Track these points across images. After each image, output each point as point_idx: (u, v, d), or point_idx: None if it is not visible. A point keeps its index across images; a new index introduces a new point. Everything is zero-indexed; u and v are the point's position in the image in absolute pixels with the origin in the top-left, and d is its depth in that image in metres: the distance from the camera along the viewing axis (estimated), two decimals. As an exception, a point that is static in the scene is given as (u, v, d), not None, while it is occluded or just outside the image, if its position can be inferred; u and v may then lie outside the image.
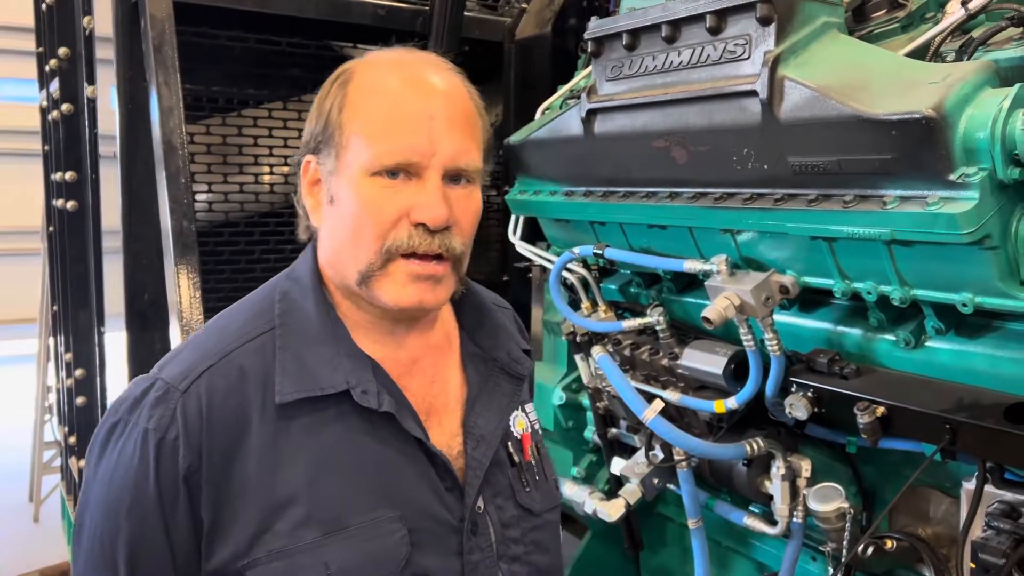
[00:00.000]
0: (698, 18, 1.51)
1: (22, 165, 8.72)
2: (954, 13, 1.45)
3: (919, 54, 1.46)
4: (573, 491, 2.19)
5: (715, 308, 1.60)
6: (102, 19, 2.68)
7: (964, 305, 1.32)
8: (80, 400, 3.44)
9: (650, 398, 1.90)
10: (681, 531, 2.46)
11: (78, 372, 3.44)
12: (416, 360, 1.22)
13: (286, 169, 2.88)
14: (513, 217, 2.28)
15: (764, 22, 1.40)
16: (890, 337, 1.57)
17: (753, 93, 1.41)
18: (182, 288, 2.07)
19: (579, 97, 2.15)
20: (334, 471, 1.09)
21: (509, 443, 1.27)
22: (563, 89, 2.31)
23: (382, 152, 1.08)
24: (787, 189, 1.46)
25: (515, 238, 2.28)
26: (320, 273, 1.20)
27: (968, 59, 1.36)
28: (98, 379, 3.03)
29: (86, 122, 2.79)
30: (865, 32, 1.58)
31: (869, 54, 1.39)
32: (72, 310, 3.43)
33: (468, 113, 1.16)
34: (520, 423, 1.32)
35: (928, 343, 1.51)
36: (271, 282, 1.23)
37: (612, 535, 2.61)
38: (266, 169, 2.83)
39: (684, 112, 1.57)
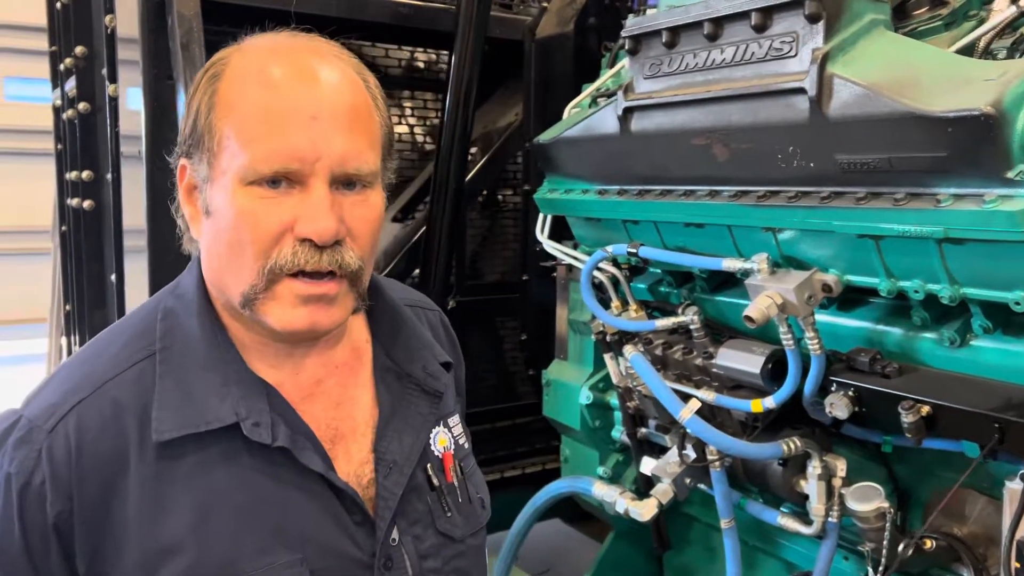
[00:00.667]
0: (742, 15, 1.50)
1: (29, 164, 8.69)
2: (1002, 11, 1.44)
3: (966, 52, 1.45)
4: (604, 491, 2.18)
5: (757, 307, 1.59)
6: (123, 18, 2.66)
7: (1017, 304, 1.31)
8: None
9: (684, 397, 1.90)
10: (706, 530, 2.46)
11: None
12: (319, 381, 1.11)
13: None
14: (540, 216, 2.27)
15: (813, 19, 1.39)
16: (933, 336, 1.56)
17: (801, 91, 1.41)
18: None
19: (608, 96, 2.16)
20: (224, 513, 0.99)
21: (428, 465, 1.16)
22: (590, 88, 2.31)
23: (257, 158, 0.96)
24: (833, 187, 1.45)
25: (543, 237, 2.27)
26: (206, 289, 1.07)
27: (1021, 56, 1.36)
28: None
29: (107, 121, 2.77)
30: (908, 30, 1.58)
31: (919, 51, 1.39)
32: (88, 310, 3.42)
33: (359, 108, 1.02)
34: (442, 440, 1.20)
35: (974, 342, 1.50)
36: (154, 298, 1.11)
37: (635, 535, 2.61)
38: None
39: (726, 109, 1.56)
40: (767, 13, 1.46)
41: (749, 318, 1.59)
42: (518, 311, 3.04)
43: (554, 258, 2.50)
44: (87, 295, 3.44)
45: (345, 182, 1.01)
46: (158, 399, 1.00)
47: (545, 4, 2.97)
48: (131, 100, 2.78)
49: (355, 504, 1.06)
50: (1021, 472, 1.50)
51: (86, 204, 3.33)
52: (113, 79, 2.66)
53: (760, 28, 1.48)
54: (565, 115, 2.30)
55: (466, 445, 1.26)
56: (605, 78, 2.30)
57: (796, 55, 1.43)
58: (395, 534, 1.09)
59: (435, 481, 1.16)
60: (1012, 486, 1.51)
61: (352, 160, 1.00)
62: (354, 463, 1.10)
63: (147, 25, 2.30)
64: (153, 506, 0.97)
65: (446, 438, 1.21)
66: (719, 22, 1.55)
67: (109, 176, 3.09)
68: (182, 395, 1.01)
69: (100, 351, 1.06)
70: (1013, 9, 1.37)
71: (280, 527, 1.01)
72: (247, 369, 1.05)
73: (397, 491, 1.10)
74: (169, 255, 2.43)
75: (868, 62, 1.37)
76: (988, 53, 1.41)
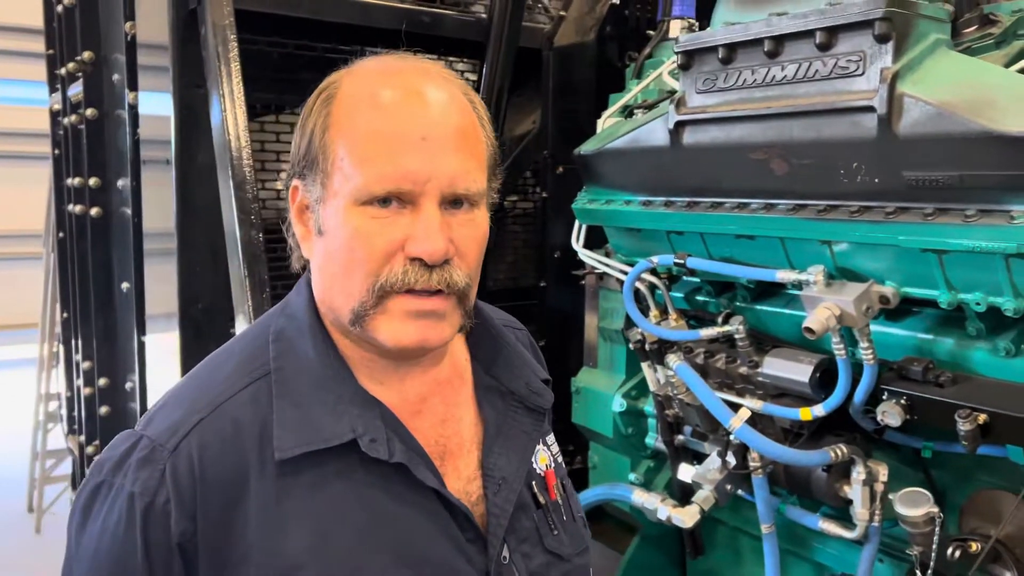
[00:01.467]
0: (806, 34, 1.54)
1: (18, 168, 8.48)
2: (1057, 31, 1.49)
3: (1021, 71, 1.50)
4: (644, 498, 2.21)
5: (817, 318, 1.63)
6: (143, 24, 2.63)
7: (1082, 316, 1.36)
8: (104, 410, 3.38)
9: (730, 406, 1.93)
10: (733, 534, 2.49)
11: (102, 381, 3.38)
12: (424, 399, 1.11)
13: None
14: (576, 225, 2.29)
15: (882, 40, 1.43)
16: (988, 346, 1.61)
17: (870, 109, 1.44)
18: (251, 299, 2.05)
19: (643, 108, 2.19)
20: (344, 531, 0.99)
21: (533, 483, 1.16)
22: (622, 99, 2.34)
23: (370, 180, 0.97)
24: (899, 202, 1.49)
25: (578, 246, 2.29)
26: (316, 308, 1.08)
27: (1085, 77, 1.41)
28: (137, 386, 2.97)
29: (127, 128, 2.73)
30: (961, 48, 1.62)
31: (985, 71, 1.43)
32: (94, 317, 3.37)
33: (467, 129, 1.03)
34: (542, 458, 1.20)
35: (1029, 352, 1.55)
36: (263, 319, 1.12)
37: (659, 540, 2.64)
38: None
39: (787, 125, 1.59)
40: (833, 33, 1.50)
41: (809, 329, 1.62)
42: (536, 318, 3.06)
43: (583, 266, 2.53)
44: (93, 302, 3.39)
45: (453, 201, 1.02)
46: (277, 418, 1.01)
47: (563, 12, 2.99)
48: (143, 105, 2.75)
49: (468, 521, 1.06)
50: (1069, 476, 1.56)
51: (93, 211, 3.27)
52: (134, 86, 2.63)
53: (825, 47, 1.52)
54: (599, 126, 2.33)
55: (563, 463, 1.27)
56: (637, 90, 2.33)
57: (863, 74, 1.47)
58: (506, 552, 1.09)
59: (541, 499, 1.16)
60: (1060, 490, 1.56)
61: (461, 180, 1.01)
62: (463, 480, 1.11)
63: (178, 34, 2.27)
64: (274, 525, 0.98)
65: (546, 456, 1.21)
66: (780, 40, 1.59)
67: (121, 183, 3.05)
68: (300, 414, 1.01)
69: (213, 372, 1.07)
70: (1076, 31, 1.42)
71: (398, 545, 1.01)
72: (360, 387, 1.06)
73: (508, 508, 1.10)
74: (199, 262, 2.41)
75: (936, 81, 1.41)
76: (1052, 73, 1.46)
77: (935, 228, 1.43)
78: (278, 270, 2.50)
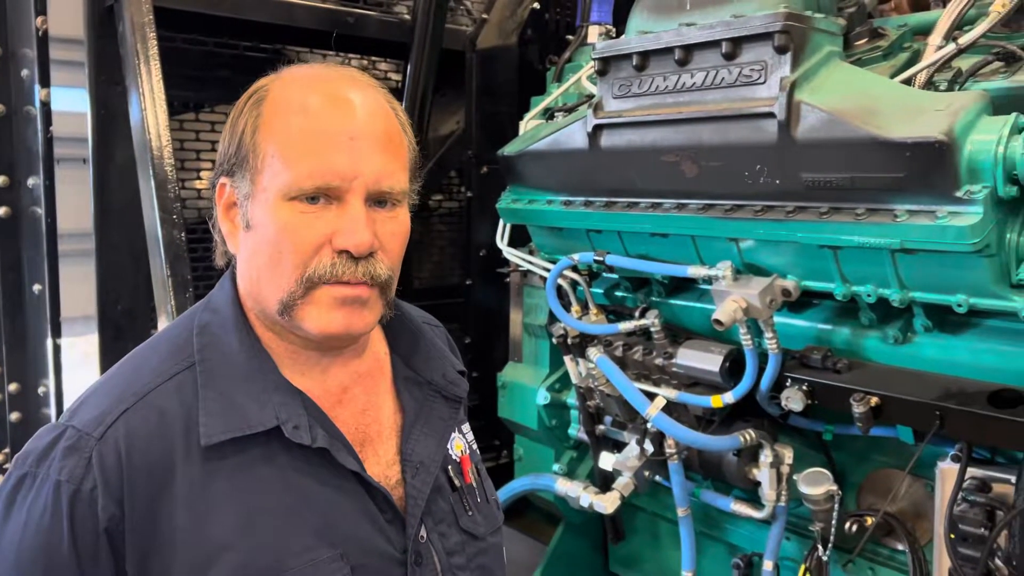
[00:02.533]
0: (713, 44, 1.64)
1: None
2: (935, 45, 1.63)
3: (907, 81, 1.64)
4: (567, 487, 2.29)
5: (725, 311, 1.74)
6: (55, 20, 2.57)
7: (959, 305, 1.50)
8: (15, 416, 3.27)
9: (648, 396, 2.02)
10: (651, 520, 2.60)
11: (12, 387, 3.26)
12: (346, 389, 1.17)
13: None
14: (501, 224, 2.35)
15: (781, 51, 1.54)
16: (879, 334, 1.75)
17: (771, 115, 1.55)
18: (175, 299, 2.04)
19: (564, 111, 2.27)
20: (269, 513, 1.03)
21: (449, 467, 1.23)
22: (543, 102, 2.41)
23: (300, 176, 1.03)
24: (797, 202, 1.60)
25: (503, 244, 2.35)
26: (240, 302, 1.13)
27: (959, 89, 1.55)
28: (52, 391, 2.88)
29: (38, 125, 2.65)
30: (852, 59, 1.75)
31: (873, 81, 1.56)
32: (3, 320, 3.25)
33: (392, 133, 1.10)
34: (458, 445, 1.27)
35: (915, 339, 1.69)
36: (186, 315, 1.16)
37: (581, 528, 2.73)
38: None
39: (697, 130, 1.69)
40: (737, 43, 1.60)
41: (718, 321, 1.73)
42: (462, 315, 3.12)
43: (508, 263, 2.59)
44: (1, 305, 3.27)
45: (377, 199, 1.08)
46: (203, 407, 1.04)
47: (485, 15, 3.04)
48: (56, 102, 2.68)
49: (387, 502, 1.11)
50: (952, 453, 1.70)
51: (1, 211, 3.16)
52: (46, 83, 2.56)
53: (730, 56, 1.62)
54: (521, 128, 2.40)
55: (477, 450, 1.34)
56: (557, 93, 2.41)
57: (765, 82, 1.57)
58: (423, 531, 1.14)
59: (456, 482, 1.23)
60: (945, 466, 1.71)
61: (386, 179, 1.07)
62: (382, 465, 1.16)
63: (94, 30, 2.24)
64: (201, 508, 1.01)
65: (461, 443, 1.28)
66: (690, 49, 1.68)
67: (31, 181, 2.96)
68: (225, 403, 1.05)
69: (139, 365, 1.10)
70: (952, 46, 1.55)
71: (321, 525, 1.06)
72: (283, 377, 1.10)
73: (425, 490, 1.15)
74: (118, 262, 2.38)
75: (830, 90, 1.53)
76: (931, 84, 1.59)
77: (830, 226, 1.55)
78: (198, 270, 2.49)
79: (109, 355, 2.37)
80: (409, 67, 2.56)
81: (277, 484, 1.05)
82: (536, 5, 2.87)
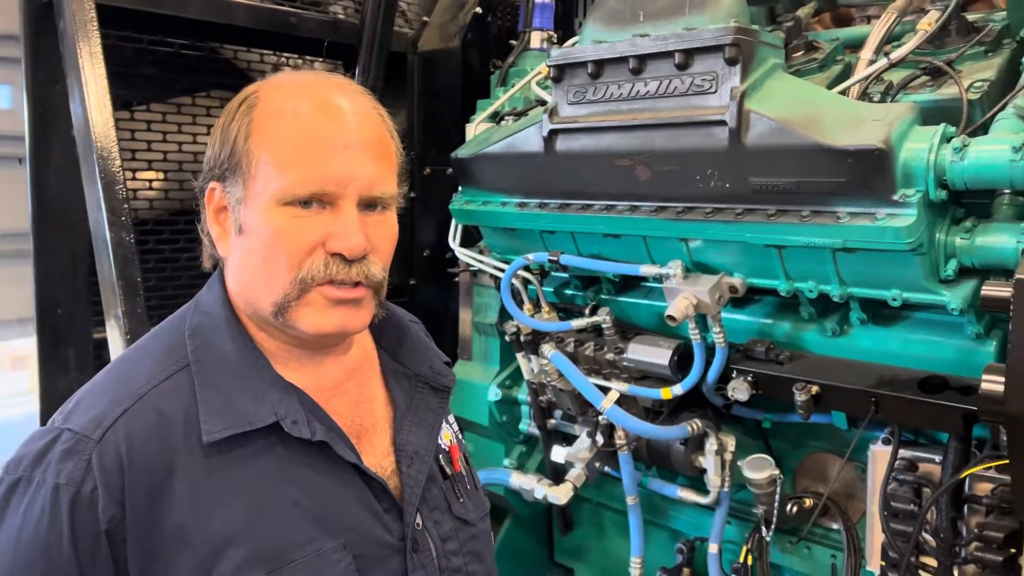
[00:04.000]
0: (666, 55, 1.73)
1: None
2: (867, 59, 1.77)
3: (843, 93, 1.76)
4: (521, 480, 2.35)
5: (677, 307, 1.83)
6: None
7: (894, 299, 1.63)
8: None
9: (600, 389, 2.11)
10: (596, 510, 2.69)
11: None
12: (339, 383, 1.20)
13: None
14: (453, 225, 2.39)
15: (731, 62, 1.64)
16: (817, 327, 1.87)
17: (722, 123, 1.65)
18: (124, 303, 2.00)
19: (513, 115, 2.33)
20: (272, 506, 1.06)
21: (440, 456, 1.27)
22: (492, 106, 2.47)
23: (295, 181, 1.05)
24: (746, 204, 1.71)
25: (455, 244, 2.40)
26: (231, 303, 1.15)
27: (891, 100, 1.68)
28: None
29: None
30: (791, 71, 1.87)
31: (815, 92, 1.67)
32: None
33: (382, 138, 1.14)
34: (446, 435, 1.31)
35: (851, 331, 1.82)
36: (176, 316, 1.18)
37: (527, 521, 2.80)
38: (174, 166, 2.75)
39: (650, 136, 1.78)
40: (689, 54, 1.69)
41: (671, 317, 1.82)
42: (406, 315, 3.13)
43: (455, 264, 2.64)
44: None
45: (369, 203, 1.11)
46: (202, 406, 1.06)
47: (426, 18, 3.07)
48: None
49: (384, 492, 1.15)
50: (883, 436, 1.84)
51: (-80, 211, 3.01)
52: (-26, 80, 2.47)
53: (682, 67, 1.71)
54: (470, 131, 2.45)
55: (463, 440, 1.39)
56: (505, 98, 2.46)
57: (716, 92, 1.67)
58: (419, 519, 1.18)
59: (447, 471, 1.27)
60: (877, 448, 1.85)
61: (378, 184, 1.10)
62: (377, 456, 1.19)
63: (31, 26, 2.17)
64: (204, 505, 1.03)
65: (449, 432, 1.32)
66: (643, 59, 1.77)
67: (-47, 181, 2.84)
68: (224, 400, 1.07)
69: (131, 368, 1.11)
70: (884, 61, 1.68)
71: (323, 516, 1.08)
72: (278, 375, 1.13)
73: (421, 479, 1.19)
74: (57, 265, 2.31)
75: (777, 100, 1.64)
76: (865, 95, 1.72)
77: (776, 227, 1.66)
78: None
79: (48, 359, 2.30)
80: (357, 69, 2.57)
81: (278, 478, 1.07)
82: (478, 9, 2.92)
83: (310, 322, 1.09)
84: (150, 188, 2.79)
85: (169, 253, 2.77)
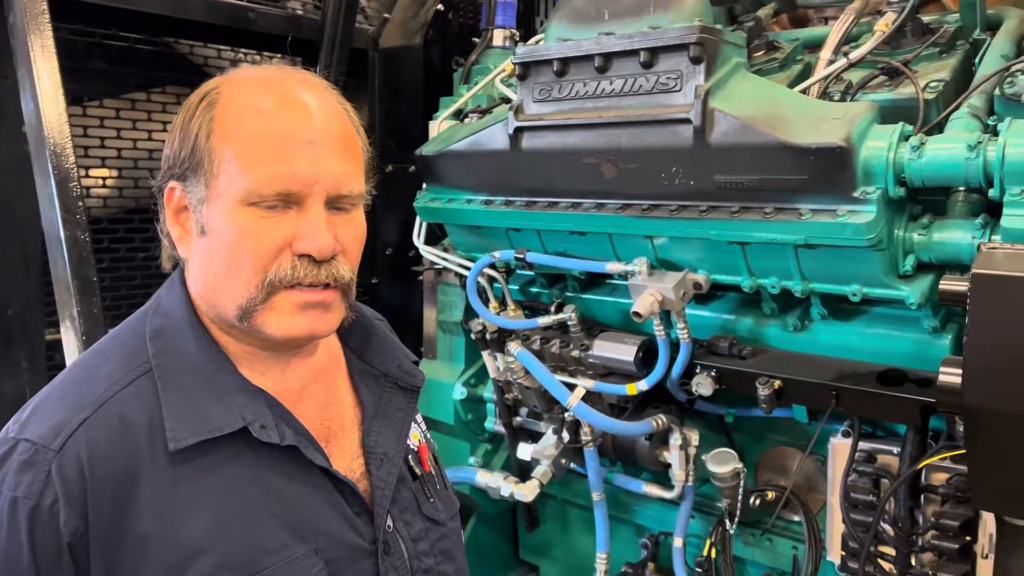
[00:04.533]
0: (631, 53, 1.74)
1: None
2: (826, 59, 1.80)
3: (804, 91, 1.80)
4: (488, 478, 2.35)
5: (643, 303, 1.84)
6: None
7: (854, 295, 1.67)
8: None
9: (566, 386, 2.11)
10: (561, 507, 2.70)
11: None
12: (306, 386, 1.17)
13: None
14: (418, 223, 2.38)
15: (696, 61, 1.66)
16: (779, 323, 1.91)
17: (687, 121, 1.66)
18: (80, 303, 1.95)
19: (475, 112, 2.33)
20: (241, 513, 1.03)
21: (409, 457, 1.26)
22: (455, 104, 2.46)
23: (260, 181, 1.02)
24: (710, 202, 1.73)
25: (420, 242, 2.39)
26: (193, 306, 1.12)
27: (851, 99, 1.72)
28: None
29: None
30: (753, 70, 1.90)
31: (777, 91, 1.70)
32: None
33: (348, 135, 1.10)
34: (415, 435, 1.30)
35: (812, 326, 1.86)
36: (135, 318, 1.15)
37: (493, 519, 2.80)
38: (129, 163, 2.69)
39: (616, 134, 1.79)
40: (654, 53, 1.71)
41: (637, 314, 1.83)
42: (368, 314, 3.11)
43: (418, 262, 2.63)
44: None
45: (336, 202, 1.08)
46: (167, 411, 1.03)
47: (387, 15, 3.05)
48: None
49: (354, 495, 1.13)
50: (843, 429, 1.88)
51: None
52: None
53: (648, 65, 1.72)
54: (433, 129, 2.44)
55: (432, 439, 1.38)
56: (468, 95, 2.46)
57: (681, 90, 1.69)
58: (389, 521, 1.17)
59: (417, 471, 1.26)
60: (837, 441, 1.89)
61: (345, 183, 1.07)
62: (346, 458, 1.18)
63: (-24, 19, 2.10)
64: (171, 513, 1.00)
65: (417, 432, 1.32)
66: (609, 57, 1.78)
67: None
68: (189, 405, 1.04)
69: (89, 374, 1.07)
70: (844, 61, 1.72)
71: (294, 521, 1.07)
72: (243, 378, 1.10)
73: (391, 481, 1.18)
74: (8, 264, 2.25)
75: (740, 99, 1.66)
76: (825, 94, 1.76)
77: (740, 224, 1.68)
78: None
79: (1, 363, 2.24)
80: (319, 66, 2.55)
81: (247, 484, 1.05)
82: (440, 7, 2.90)
83: (277, 326, 1.06)
84: (103, 185, 2.74)
85: (124, 252, 2.72)
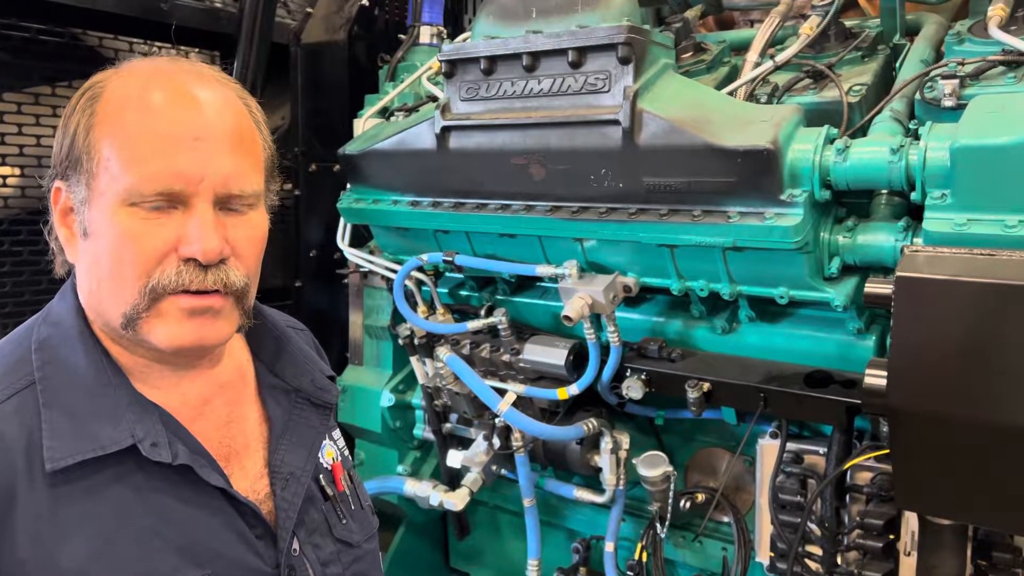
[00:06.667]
0: (559, 52, 1.71)
1: None
2: (752, 61, 1.81)
3: (731, 93, 1.80)
4: (416, 487, 2.29)
5: (573, 307, 1.82)
6: None
7: (781, 297, 1.67)
8: None
9: (497, 391, 2.07)
10: (492, 513, 2.66)
11: None
12: (206, 401, 1.11)
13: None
14: (342, 224, 2.30)
15: (624, 61, 1.64)
16: (708, 325, 1.90)
17: (615, 122, 1.64)
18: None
19: (401, 110, 2.27)
20: (128, 535, 0.97)
21: (320, 476, 1.20)
22: (381, 101, 2.39)
23: (140, 180, 0.96)
24: (639, 204, 1.71)
25: (344, 244, 2.31)
26: (84, 314, 1.06)
27: (777, 102, 1.72)
28: None
29: None
30: (680, 72, 1.89)
31: (705, 93, 1.69)
32: None
33: (243, 131, 1.05)
34: (329, 452, 1.24)
35: (740, 329, 1.86)
36: (23, 328, 1.07)
37: (421, 528, 2.74)
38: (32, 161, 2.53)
39: (545, 134, 1.76)
40: (583, 53, 1.68)
41: (568, 317, 1.80)
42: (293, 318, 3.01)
43: (342, 264, 2.55)
44: None
45: (227, 202, 1.02)
46: (47, 429, 0.97)
47: (309, 9, 2.96)
48: None
49: (256, 517, 1.08)
50: (770, 431, 1.89)
51: None
52: None
53: (576, 65, 1.69)
54: (358, 127, 2.36)
55: (349, 456, 1.32)
56: (394, 93, 2.40)
57: (609, 91, 1.66)
58: (296, 544, 1.11)
59: (328, 491, 1.20)
60: (765, 443, 1.90)
61: (235, 181, 1.01)
62: (249, 478, 1.12)
63: None
64: (50, 537, 0.94)
65: (332, 450, 1.26)
66: (537, 56, 1.74)
67: None
68: (72, 423, 0.98)
69: None
70: (770, 63, 1.72)
71: (186, 545, 1.01)
72: (136, 392, 1.04)
73: (297, 501, 1.12)
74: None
75: (669, 100, 1.65)
76: (752, 97, 1.76)
77: (669, 227, 1.67)
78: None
79: None
80: (237, 62, 2.44)
81: (134, 506, 0.99)
82: (365, 2, 2.83)
83: (163, 335, 1.00)
84: (4, 185, 2.57)
85: (27, 255, 2.57)
